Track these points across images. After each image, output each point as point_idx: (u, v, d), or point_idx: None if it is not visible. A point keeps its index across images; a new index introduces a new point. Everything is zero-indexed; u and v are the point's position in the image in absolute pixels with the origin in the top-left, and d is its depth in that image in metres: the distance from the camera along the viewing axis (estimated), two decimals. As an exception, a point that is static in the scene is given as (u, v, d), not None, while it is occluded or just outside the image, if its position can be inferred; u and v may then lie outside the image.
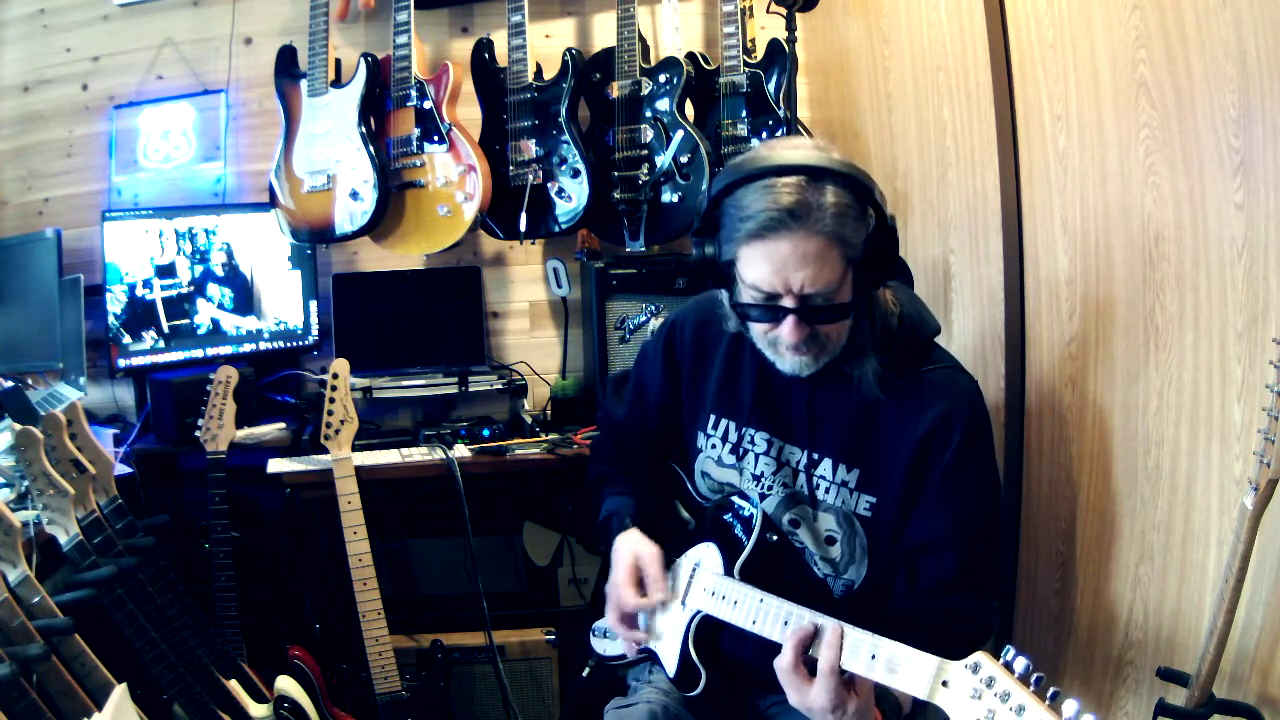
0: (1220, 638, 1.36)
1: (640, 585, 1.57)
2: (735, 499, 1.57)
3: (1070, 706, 1.00)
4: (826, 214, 1.32)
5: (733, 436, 1.59)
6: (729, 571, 1.50)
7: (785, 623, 1.36)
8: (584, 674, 1.76)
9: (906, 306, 1.51)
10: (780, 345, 1.42)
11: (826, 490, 1.51)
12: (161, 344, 2.58)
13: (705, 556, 1.55)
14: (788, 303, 1.37)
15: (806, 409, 1.52)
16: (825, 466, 1.51)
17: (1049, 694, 1.03)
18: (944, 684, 1.13)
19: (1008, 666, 1.07)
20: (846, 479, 1.49)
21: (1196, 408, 1.54)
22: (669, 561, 1.60)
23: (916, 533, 1.45)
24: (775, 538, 1.51)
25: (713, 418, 1.62)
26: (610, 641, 1.71)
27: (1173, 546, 1.60)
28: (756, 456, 1.56)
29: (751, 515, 1.52)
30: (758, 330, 1.45)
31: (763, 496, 1.55)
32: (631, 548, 1.59)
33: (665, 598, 1.56)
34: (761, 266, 1.35)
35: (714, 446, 1.61)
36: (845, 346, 1.45)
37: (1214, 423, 1.50)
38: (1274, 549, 1.37)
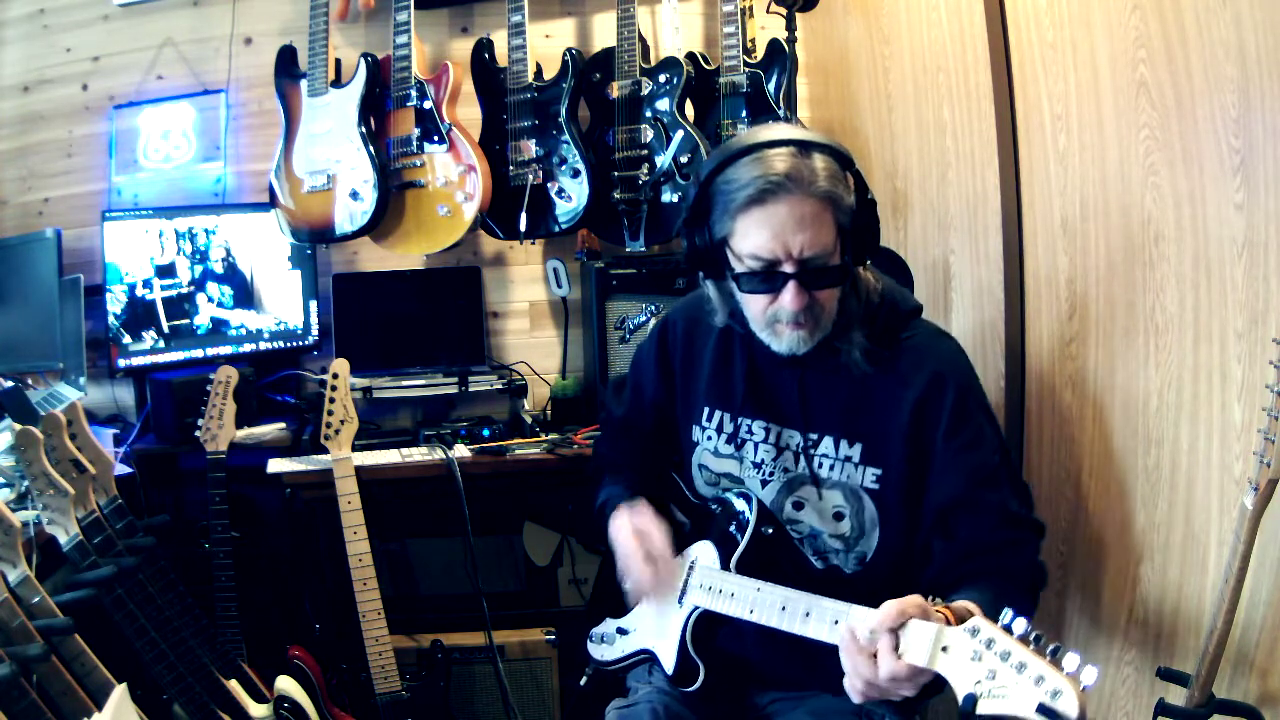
0: (1220, 638, 1.36)
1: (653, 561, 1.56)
2: (729, 494, 1.57)
3: (1072, 660, 1.00)
4: (820, 176, 1.36)
5: (728, 427, 1.60)
6: (725, 566, 1.51)
7: (783, 608, 1.36)
8: (581, 682, 1.76)
9: (885, 284, 1.54)
10: (779, 320, 1.43)
11: (831, 468, 1.51)
12: (161, 344, 2.58)
13: (701, 554, 1.56)
14: (787, 268, 1.38)
15: (799, 392, 1.53)
16: (826, 445, 1.52)
17: (1049, 650, 1.02)
18: (943, 649, 1.12)
19: (1007, 629, 1.06)
20: (850, 454, 1.50)
21: (1196, 408, 1.54)
22: None
23: (938, 498, 1.45)
24: (770, 530, 1.52)
25: (706, 410, 1.63)
26: (607, 646, 1.71)
27: (1173, 546, 1.60)
28: (756, 445, 1.57)
29: (746, 509, 1.53)
30: (755, 307, 1.45)
31: (764, 483, 1.56)
32: (629, 522, 1.59)
33: (673, 567, 1.55)
34: (760, 233, 1.38)
35: (710, 438, 1.62)
36: (835, 321, 1.46)
37: (1214, 423, 1.50)
38: (1274, 549, 1.37)
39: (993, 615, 1.17)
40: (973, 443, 1.45)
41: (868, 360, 1.47)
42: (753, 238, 1.39)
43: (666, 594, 1.58)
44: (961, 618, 1.19)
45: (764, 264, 1.39)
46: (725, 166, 1.40)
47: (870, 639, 1.18)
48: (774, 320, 1.44)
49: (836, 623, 1.28)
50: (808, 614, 1.33)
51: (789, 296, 1.40)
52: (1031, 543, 1.46)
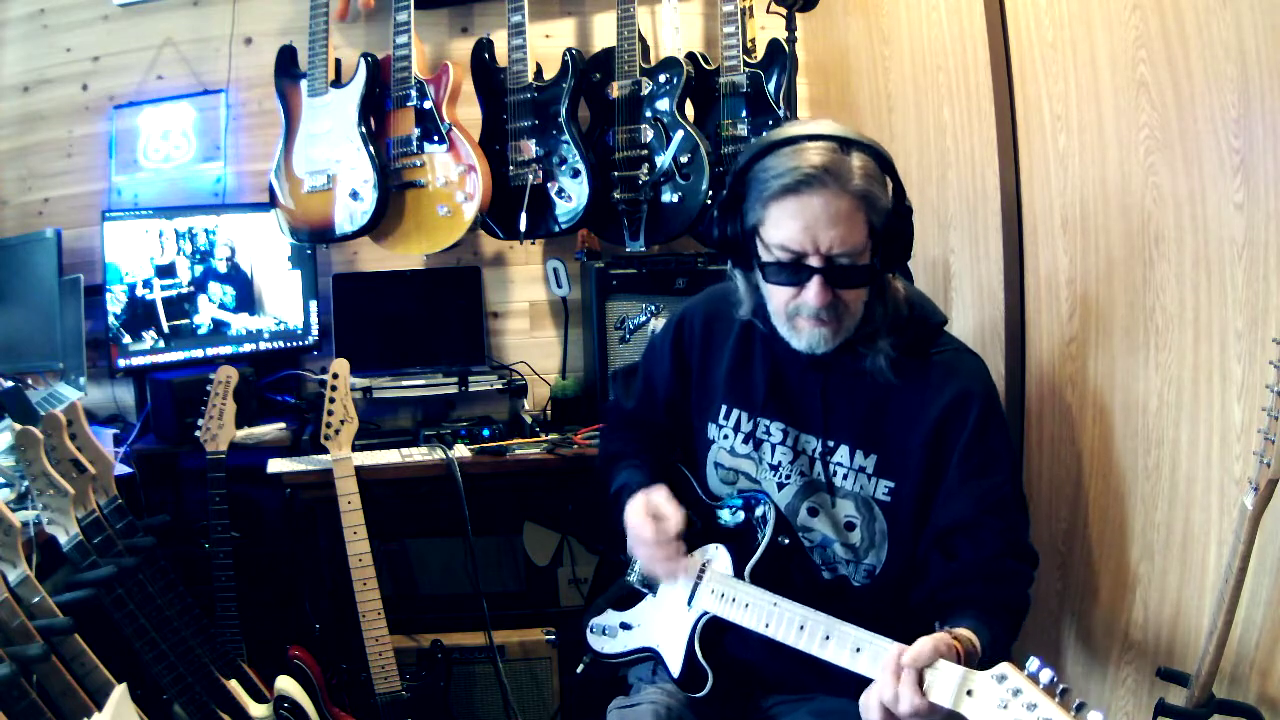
0: (1220, 638, 1.36)
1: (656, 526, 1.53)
2: (747, 497, 1.56)
3: (1095, 717, 1.01)
4: (856, 174, 1.36)
5: (745, 426, 1.59)
6: (739, 574, 1.50)
7: (801, 627, 1.35)
8: (578, 670, 1.76)
9: (915, 297, 1.54)
10: (801, 315, 1.43)
11: (844, 477, 1.51)
12: (161, 344, 2.58)
13: (713, 558, 1.55)
14: (814, 263, 1.38)
15: (821, 396, 1.52)
16: (842, 453, 1.51)
17: (1075, 705, 1.03)
18: (969, 693, 1.12)
19: (1033, 678, 1.07)
20: (864, 465, 1.50)
21: (1196, 408, 1.54)
22: None
23: (946, 516, 1.45)
24: (787, 540, 1.51)
25: (724, 408, 1.61)
26: (608, 639, 1.70)
27: (1173, 546, 1.60)
28: (773, 447, 1.56)
29: (764, 516, 1.52)
30: (778, 300, 1.45)
31: (780, 486, 1.55)
32: (643, 498, 1.55)
33: (679, 525, 1.51)
34: (791, 224, 1.38)
35: (726, 437, 1.61)
36: (859, 326, 1.45)
37: (1214, 423, 1.50)
38: (1274, 549, 1.37)
39: (992, 650, 1.24)
40: (988, 465, 1.44)
41: (895, 371, 1.47)
42: (783, 228, 1.39)
43: (674, 579, 1.56)
44: (968, 650, 1.22)
45: (791, 256, 1.39)
46: (764, 155, 1.41)
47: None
48: (795, 314, 1.44)
49: (859, 650, 1.27)
50: (827, 637, 1.32)
51: (812, 292, 1.39)
52: (1028, 576, 1.46)
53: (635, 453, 1.72)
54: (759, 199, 1.41)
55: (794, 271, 1.40)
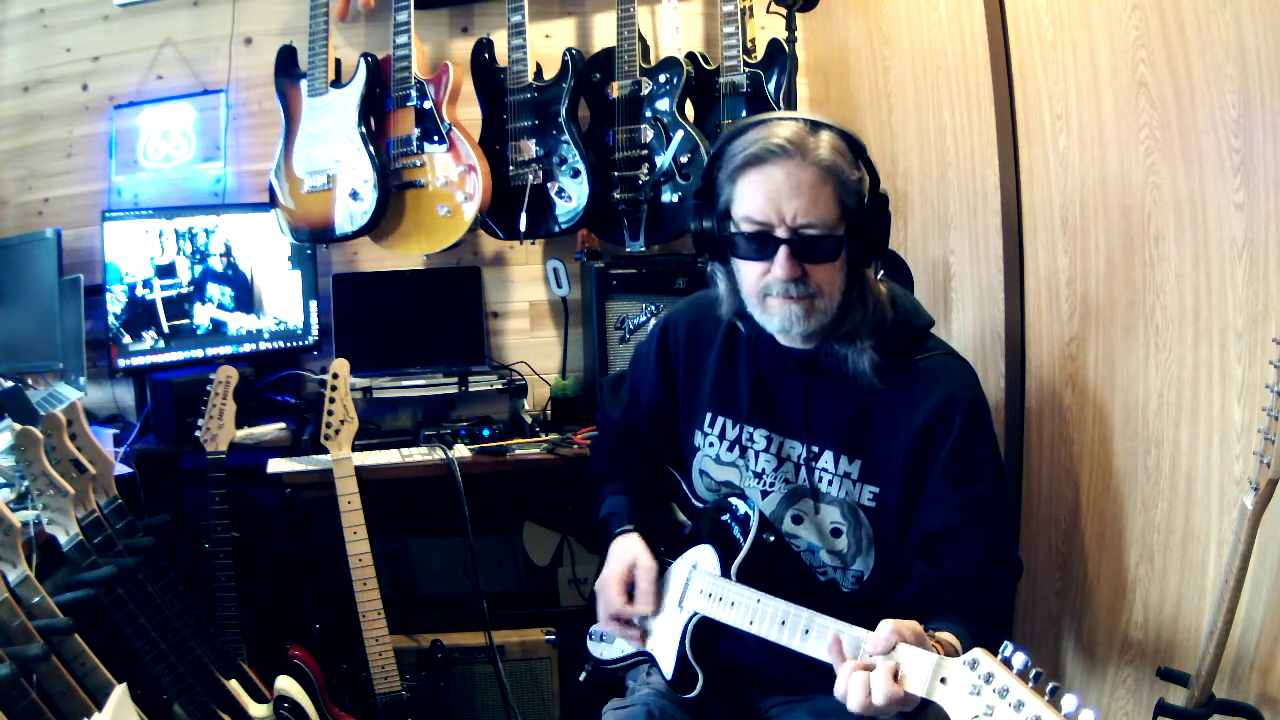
0: (1220, 638, 1.36)
1: (629, 594, 1.57)
2: (732, 499, 1.57)
3: (1070, 701, 1.00)
4: (822, 148, 1.37)
5: (730, 434, 1.59)
6: (725, 573, 1.50)
7: (783, 622, 1.35)
8: (580, 678, 1.76)
9: (901, 300, 1.52)
10: (772, 294, 1.42)
11: (830, 483, 1.50)
12: (161, 344, 2.58)
13: (702, 559, 1.55)
14: (780, 234, 1.38)
15: (804, 402, 1.51)
16: (826, 459, 1.51)
17: (1048, 689, 1.02)
18: (942, 680, 1.12)
19: (1006, 663, 1.06)
20: (849, 470, 1.49)
21: (1196, 408, 1.54)
22: (664, 564, 1.60)
23: (928, 522, 1.44)
24: (772, 538, 1.51)
25: (709, 415, 1.61)
26: (607, 645, 1.71)
27: (1173, 546, 1.60)
28: (757, 454, 1.56)
29: (748, 516, 1.52)
30: (750, 280, 1.44)
31: (765, 494, 1.55)
32: (631, 553, 1.59)
33: (646, 612, 1.56)
34: (755, 195, 1.38)
35: (711, 445, 1.61)
36: (836, 319, 1.44)
37: (1214, 423, 1.50)
38: (1274, 549, 1.37)
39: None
40: (972, 472, 1.44)
41: (879, 376, 1.46)
42: (748, 200, 1.39)
43: (628, 633, 1.61)
44: (949, 652, 1.20)
45: (758, 228, 1.39)
46: (735, 137, 1.42)
47: (861, 655, 1.19)
48: (766, 293, 1.42)
49: None
50: (807, 631, 1.32)
51: (779, 263, 1.38)
52: (1011, 585, 1.45)
53: (620, 477, 1.73)
54: (728, 177, 1.42)
55: (761, 244, 1.40)
